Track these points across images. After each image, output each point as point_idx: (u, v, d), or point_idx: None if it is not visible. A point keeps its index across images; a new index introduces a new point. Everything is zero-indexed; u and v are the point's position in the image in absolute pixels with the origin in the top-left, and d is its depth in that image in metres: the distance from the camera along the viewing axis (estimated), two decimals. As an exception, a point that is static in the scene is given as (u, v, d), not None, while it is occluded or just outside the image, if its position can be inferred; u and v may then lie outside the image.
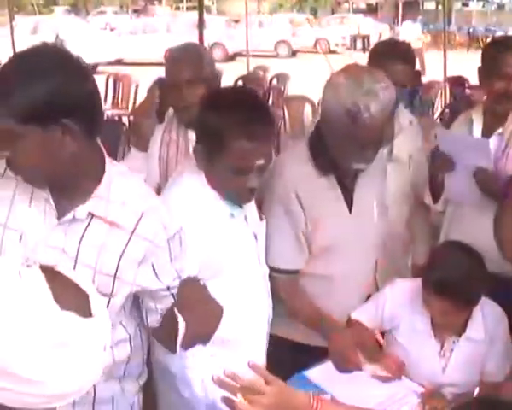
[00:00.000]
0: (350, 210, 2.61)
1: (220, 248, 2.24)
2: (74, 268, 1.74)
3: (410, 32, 22.00)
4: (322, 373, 2.52)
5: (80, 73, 1.67)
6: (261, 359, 2.47)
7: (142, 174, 2.74)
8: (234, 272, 2.29)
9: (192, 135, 2.97)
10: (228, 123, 2.12)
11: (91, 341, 1.20)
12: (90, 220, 1.78)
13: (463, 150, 2.95)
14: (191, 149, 2.94)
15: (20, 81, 1.57)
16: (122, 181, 1.85)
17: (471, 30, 32.79)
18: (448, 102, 10.70)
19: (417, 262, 3.32)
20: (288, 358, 2.60)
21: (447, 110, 8.97)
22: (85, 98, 1.65)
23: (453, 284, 2.36)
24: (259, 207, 2.47)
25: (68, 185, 1.77)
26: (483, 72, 3.11)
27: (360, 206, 2.63)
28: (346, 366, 2.42)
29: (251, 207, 2.38)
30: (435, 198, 3.20)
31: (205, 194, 2.24)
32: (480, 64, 3.14)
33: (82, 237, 1.78)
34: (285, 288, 2.58)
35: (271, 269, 2.52)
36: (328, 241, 2.60)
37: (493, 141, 3.03)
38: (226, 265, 2.27)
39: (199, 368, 2.24)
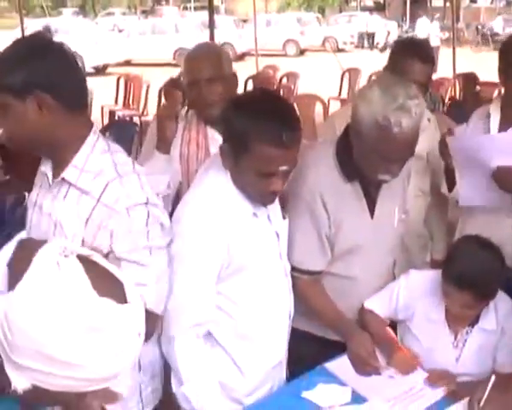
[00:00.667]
0: (372, 215, 2.64)
1: (243, 246, 2.25)
2: (54, 234, 1.94)
3: (426, 30, 21.95)
4: (341, 366, 2.55)
5: (59, 56, 1.91)
6: (282, 353, 2.52)
7: (166, 175, 2.83)
8: (256, 270, 2.32)
9: (211, 132, 3.02)
10: (255, 128, 2.10)
11: (127, 327, 1.24)
12: (69, 188, 1.96)
13: (477, 152, 2.93)
14: (211, 147, 2.99)
15: (4, 63, 1.88)
16: (102, 155, 1.99)
17: (479, 27, 32.70)
18: (458, 98, 10.71)
19: (436, 258, 3.37)
20: (308, 351, 2.62)
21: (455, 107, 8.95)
22: (63, 77, 1.88)
23: (474, 277, 2.40)
24: (283, 207, 2.49)
25: (50, 155, 2.02)
26: (503, 68, 3.10)
27: (382, 212, 2.66)
28: (365, 369, 2.45)
29: (274, 206, 2.39)
30: (450, 187, 3.23)
31: (229, 192, 2.25)
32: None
33: (62, 203, 1.97)
34: (307, 288, 2.60)
35: (294, 269, 2.54)
36: (349, 243, 2.63)
37: (510, 135, 3.00)
38: (248, 262, 2.28)
39: None
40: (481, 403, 2.23)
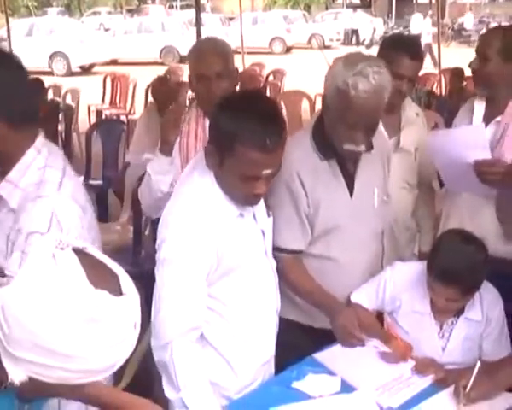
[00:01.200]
0: (351, 195, 2.70)
1: (231, 247, 2.25)
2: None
3: (420, 26, 22.01)
4: (331, 356, 2.58)
5: (2, 71, 1.91)
6: (271, 350, 2.54)
7: (169, 175, 2.93)
8: (244, 269, 2.33)
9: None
10: (240, 131, 2.10)
11: (123, 318, 1.26)
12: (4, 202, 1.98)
13: (457, 145, 2.97)
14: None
15: None
16: (35, 172, 1.99)
17: (450, 23, 32.94)
18: (444, 93, 10.76)
19: (424, 250, 3.41)
20: (293, 339, 2.65)
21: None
22: (5, 93, 1.89)
23: (458, 273, 2.43)
24: (266, 203, 2.50)
25: None
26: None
27: (361, 191, 2.71)
28: (349, 341, 2.47)
29: (259, 204, 2.39)
30: (442, 182, 3.29)
31: (215, 194, 2.25)
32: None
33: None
34: (288, 267, 2.63)
35: (275, 249, 2.56)
36: (329, 223, 2.67)
37: (490, 129, 3.06)
38: (236, 263, 2.29)
39: None
40: (467, 389, 2.27)
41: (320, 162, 2.64)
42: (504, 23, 27.75)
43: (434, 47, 17.15)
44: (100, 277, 1.26)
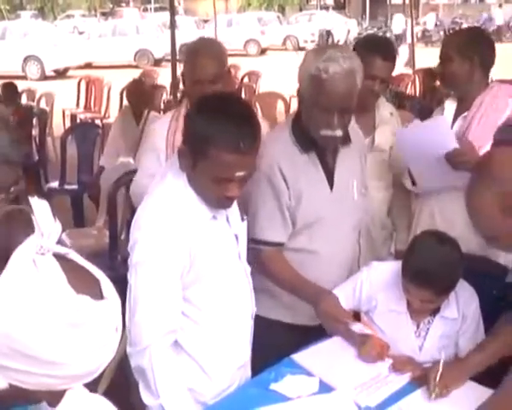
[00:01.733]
0: (331, 188, 2.73)
1: (203, 249, 2.24)
2: None
3: (402, 26, 22.15)
4: (308, 357, 2.58)
5: None
6: (247, 354, 2.54)
7: None
8: (217, 273, 2.31)
9: None
10: (213, 133, 2.10)
11: (105, 322, 1.25)
12: None
13: (424, 139, 3.03)
14: None
15: None
16: None
17: (438, 23, 33.09)
18: (418, 93, 10.85)
19: (400, 248, 3.44)
20: (273, 340, 2.66)
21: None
22: None
23: (432, 275, 2.44)
24: (241, 208, 2.50)
25: None
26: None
27: (340, 184, 2.75)
28: (334, 325, 2.48)
29: (233, 208, 2.39)
30: (414, 180, 3.31)
31: (188, 195, 2.23)
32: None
33: None
34: (270, 259, 2.65)
35: (257, 242, 2.58)
36: (310, 216, 2.70)
37: (458, 123, 3.16)
38: (209, 266, 2.28)
39: None
40: (437, 378, 2.33)
41: (300, 155, 2.67)
42: (476, 24, 28.09)
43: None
44: (81, 282, 1.25)
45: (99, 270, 1.32)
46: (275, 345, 2.62)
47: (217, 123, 2.11)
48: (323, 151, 2.70)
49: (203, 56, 3.08)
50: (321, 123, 2.57)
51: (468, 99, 3.14)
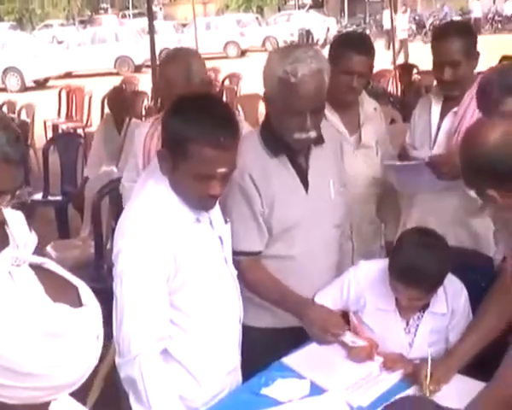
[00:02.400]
0: (306, 190, 2.69)
1: (188, 253, 2.23)
2: None
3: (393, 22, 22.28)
4: (299, 359, 2.58)
5: None
6: (236, 358, 2.52)
7: None
8: (204, 277, 2.30)
9: None
10: (192, 130, 2.12)
11: (85, 330, 1.24)
12: None
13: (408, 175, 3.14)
14: None
15: None
16: None
17: (417, 17, 33.19)
18: (401, 89, 10.89)
19: (389, 240, 3.44)
20: (264, 344, 2.65)
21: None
22: None
23: (418, 274, 2.43)
24: (223, 210, 2.50)
25: None
26: (432, 60, 3.26)
27: (316, 185, 2.71)
28: (324, 337, 2.44)
29: (216, 211, 2.39)
30: None
31: (170, 200, 2.23)
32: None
33: None
34: (248, 269, 2.61)
35: (235, 253, 2.53)
36: (287, 221, 2.66)
37: (448, 119, 3.16)
38: (195, 270, 2.26)
39: None
40: (428, 376, 2.33)
41: (270, 160, 2.64)
42: (456, 17, 28.24)
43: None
44: (59, 290, 1.24)
45: (77, 278, 1.31)
46: (266, 350, 2.61)
47: (195, 121, 2.13)
48: (295, 153, 2.67)
49: (170, 73, 3.07)
50: (294, 127, 2.53)
51: (458, 96, 3.14)
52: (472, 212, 3.00)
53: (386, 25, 21.84)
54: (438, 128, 3.22)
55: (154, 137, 3.13)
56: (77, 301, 1.25)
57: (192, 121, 2.14)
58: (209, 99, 2.31)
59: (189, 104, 2.25)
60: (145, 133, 3.22)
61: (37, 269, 1.25)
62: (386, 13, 23.62)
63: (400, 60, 17.48)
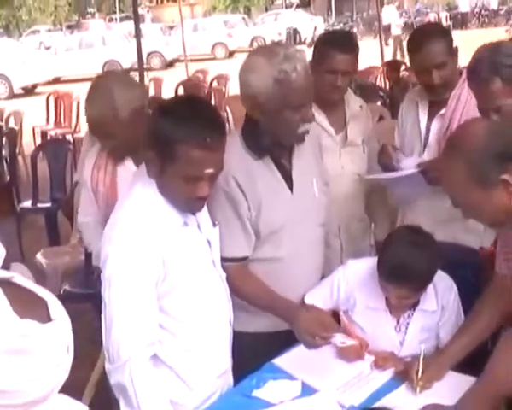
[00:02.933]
0: (291, 190, 2.69)
1: (177, 256, 2.22)
2: None
3: (390, 18, 22.39)
4: (290, 360, 2.57)
5: None
6: (227, 361, 2.50)
7: None
8: (192, 282, 2.29)
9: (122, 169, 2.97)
10: (179, 132, 2.12)
11: (54, 345, 1.23)
12: None
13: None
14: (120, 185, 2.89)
15: None
16: None
17: (404, 14, 33.24)
18: (388, 86, 10.91)
19: (379, 239, 3.44)
20: (255, 348, 2.63)
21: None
22: None
23: (407, 273, 2.43)
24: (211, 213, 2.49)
25: None
26: (411, 64, 3.28)
27: (300, 185, 2.70)
28: (314, 342, 2.40)
29: (204, 214, 2.39)
30: None
31: (158, 203, 2.22)
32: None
33: None
34: (236, 275, 2.57)
35: (222, 259, 2.51)
36: (273, 223, 2.65)
37: (436, 122, 3.16)
38: (184, 274, 2.26)
39: None
40: (419, 373, 2.34)
41: (254, 162, 2.62)
42: (442, 12, 28.28)
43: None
44: (26, 306, 1.22)
45: (46, 290, 1.29)
46: (257, 354, 2.60)
47: (182, 122, 2.14)
48: (278, 154, 2.66)
49: (91, 115, 2.89)
50: (298, 121, 2.54)
51: (446, 97, 3.13)
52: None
53: (385, 21, 21.87)
54: (427, 132, 3.21)
55: (98, 183, 3.03)
56: (45, 316, 1.24)
57: (179, 123, 2.14)
58: (195, 101, 2.31)
59: (176, 106, 2.26)
60: (89, 179, 3.07)
61: (5, 284, 1.23)
62: (386, 9, 23.70)
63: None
